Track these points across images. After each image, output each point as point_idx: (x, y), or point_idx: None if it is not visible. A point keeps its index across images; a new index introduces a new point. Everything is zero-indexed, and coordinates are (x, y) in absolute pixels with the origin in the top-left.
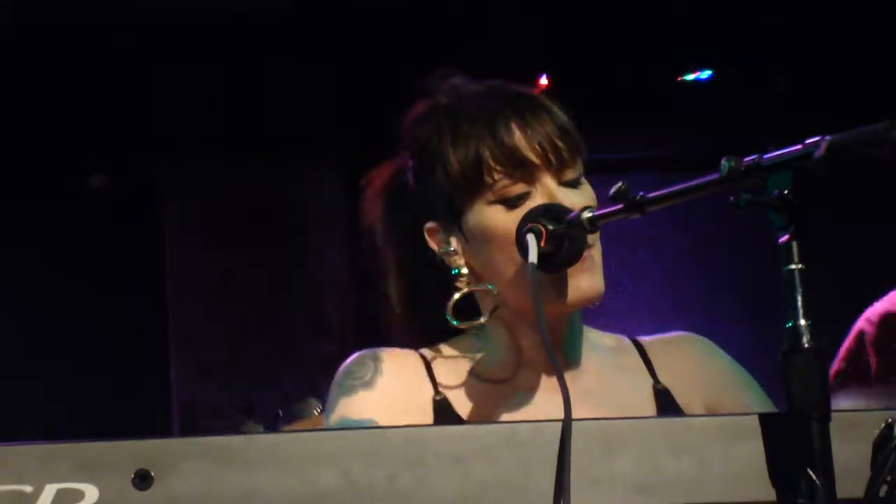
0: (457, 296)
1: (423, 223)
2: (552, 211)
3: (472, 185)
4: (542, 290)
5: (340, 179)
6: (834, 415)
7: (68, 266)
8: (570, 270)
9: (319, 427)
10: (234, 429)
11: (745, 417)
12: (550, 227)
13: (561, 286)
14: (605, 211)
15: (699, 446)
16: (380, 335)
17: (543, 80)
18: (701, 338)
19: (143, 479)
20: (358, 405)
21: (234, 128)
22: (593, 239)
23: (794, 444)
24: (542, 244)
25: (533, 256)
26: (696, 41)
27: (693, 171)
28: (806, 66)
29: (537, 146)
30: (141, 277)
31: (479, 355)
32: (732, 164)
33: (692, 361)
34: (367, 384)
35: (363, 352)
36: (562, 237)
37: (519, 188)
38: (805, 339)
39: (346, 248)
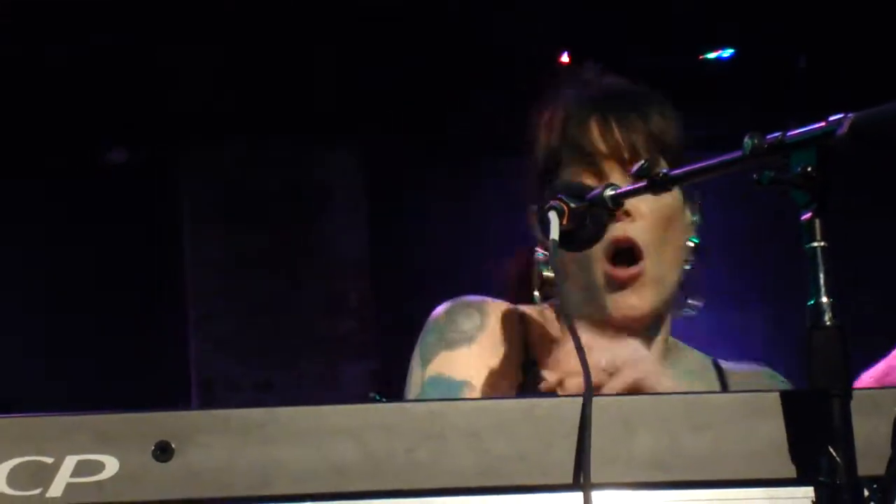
0: (537, 293)
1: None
2: (574, 189)
3: (547, 174)
4: (588, 303)
5: (359, 158)
6: (855, 392)
7: (87, 242)
8: (608, 288)
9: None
10: (252, 404)
11: (765, 395)
12: (573, 205)
13: (603, 300)
14: (629, 189)
15: (719, 423)
16: (396, 313)
17: (565, 58)
18: (779, 377)
19: (163, 451)
20: (459, 363)
21: (252, 106)
22: (648, 251)
23: (814, 422)
24: (565, 222)
25: (555, 234)
26: (718, 19)
27: (716, 150)
28: (827, 43)
29: (611, 144)
30: (159, 253)
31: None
32: (755, 141)
33: None
34: (471, 339)
35: (468, 299)
36: (584, 215)
37: (588, 180)
38: (827, 317)
39: (364, 226)
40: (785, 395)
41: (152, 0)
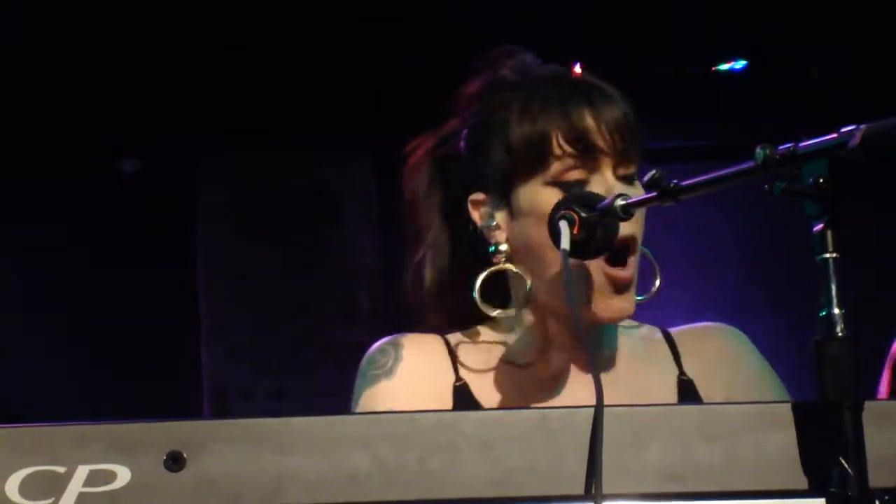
0: (484, 274)
1: (469, 194)
2: (585, 198)
3: (533, 164)
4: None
5: (370, 165)
6: (867, 404)
7: (99, 250)
8: (603, 290)
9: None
10: (264, 413)
11: (777, 405)
12: (584, 215)
13: (594, 300)
14: (640, 199)
15: (730, 434)
16: (408, 321)
17: (577, 69)
18: (734, 330)
19: (175, 461)
20: (379, 395)
21: (264, 114)
22: (633, 261)
23: (826, 433)
24: (576, 231)
25: (565, 243)
26: (731, 31)
27: (728, 161)
28: (840, 55)
29: (607, 133)
30: (172, 261)
31: (506, 340)
32: (767, 152)
33: (719, 354)
34: (388, 373)
35: (385, 339)
36: (595, 224)
37: (577, 174)
38: (839, 328)
39: (376, 233)
40: (796, 406)
41: (165, 7)
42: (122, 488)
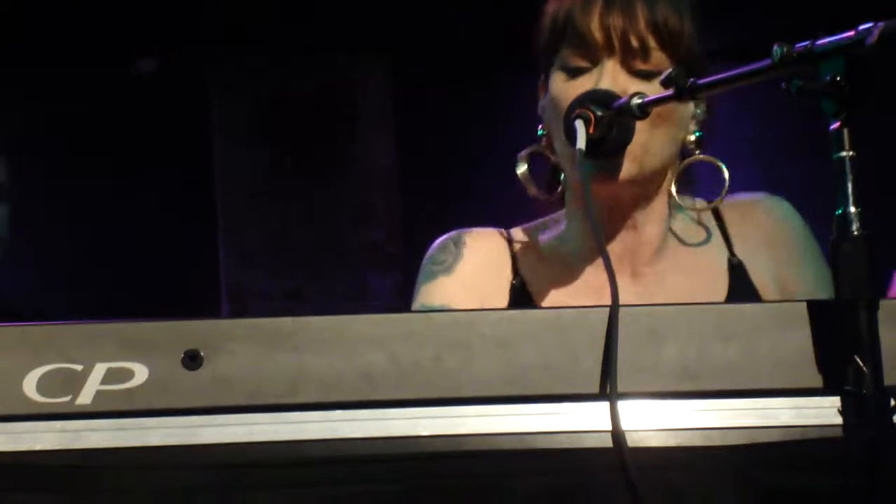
0: (522, 152)
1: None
2: (601, 97)
3: (550, 47)
4: (570, 169)
5: (387, 72)
6: (882, 302)
7: (117, 154)
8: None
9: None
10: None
11: (793, 304)
12: (599, 114)
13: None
14: (656, 97)
15: (746, 333)
16: (425, 224)
17: None
18: (781, 203)
19: (192, 359)
20: (437, 291)
21: (281, 21)
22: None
23: (841, 332)
24: (591, 130)
25: (581, 142)
26: None
27: (745, 61)
28: None
29: (607, 30)
30: (189, 165)
31: (561, 235)
32: (784, 50)
33: (767, 231)
34: (447, 269)
35: (448, 235)
36: (610, 123)
37: (581, 62)
38: (854, 227)
39: (392, 138)
40: (812, 305)
41: None
42: (139, 386)
